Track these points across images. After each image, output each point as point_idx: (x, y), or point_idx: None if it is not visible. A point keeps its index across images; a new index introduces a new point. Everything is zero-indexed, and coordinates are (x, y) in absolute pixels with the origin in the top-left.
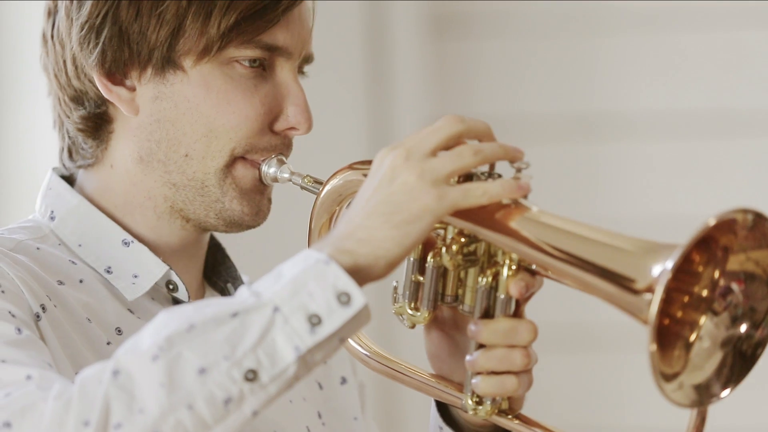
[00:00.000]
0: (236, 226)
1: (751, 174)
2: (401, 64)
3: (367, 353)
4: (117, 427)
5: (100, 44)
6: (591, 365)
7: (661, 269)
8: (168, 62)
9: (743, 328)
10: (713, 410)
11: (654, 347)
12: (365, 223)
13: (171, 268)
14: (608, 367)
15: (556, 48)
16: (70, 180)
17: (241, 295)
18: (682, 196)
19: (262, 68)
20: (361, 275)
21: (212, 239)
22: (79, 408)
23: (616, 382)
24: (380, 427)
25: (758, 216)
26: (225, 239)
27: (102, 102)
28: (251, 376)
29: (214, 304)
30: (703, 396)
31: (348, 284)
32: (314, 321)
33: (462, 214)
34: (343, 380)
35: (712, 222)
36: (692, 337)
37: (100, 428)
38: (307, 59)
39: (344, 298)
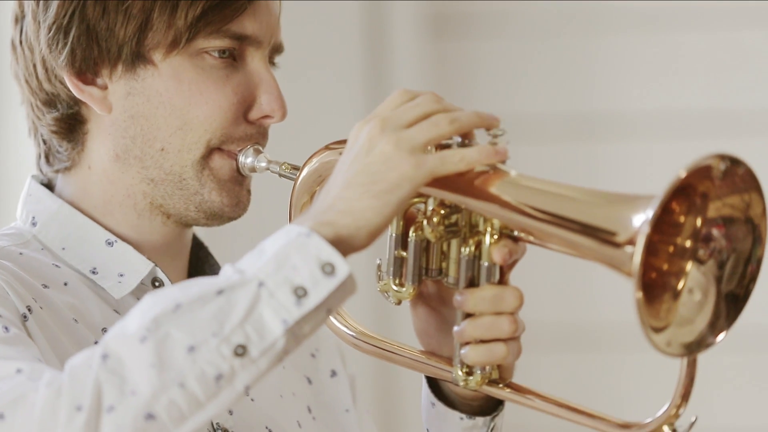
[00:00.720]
0: (217, 218)
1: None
2: (400, 64)
3: (354, 334)
4: (110, 410)
5: (69, 44)
6: (589, 365)
7: (642, 219)
8: (138, 57)
9: (731, 270)
10: (713, 410)
11: (640, 294)
12: (344, 194)
13: (156, 265)
14: (606, 367)
15: (555, 48)
16: (49, 186)
17: (225, 272)
18: None
19: (233, 58)
20: (343, 246)
21: (194, 238)
22: (70, 394)
23: (614, 382)
24: (377, 418)
25: (732, 160)
26: (206, 235)
27: (74, 103)
28: (241, 351)
29: (198, 284)
30: (695, 346)
31: (331, 254)
32: (300, 293)
33: (441, 183)
34: (333, 373)
35: (684, 172)
36: (680, 287)
37: (93, 412)
38: (278, 49)
39: (328, 269)
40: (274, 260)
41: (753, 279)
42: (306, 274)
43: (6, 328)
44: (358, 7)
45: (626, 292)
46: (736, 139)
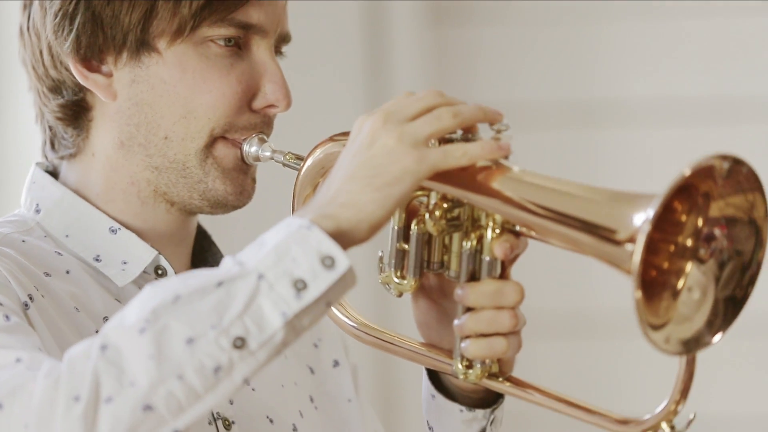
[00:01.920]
0: (221, 206)
1: (751, 161)
2: (400, 52)
3: (355, 325)
4: (108, 400)
5: (74, 31)
6: (590, 352)
7: (643, 218)
8: (142, 45)
9: (731, 271)
10: (709, 397)
11: (639, 294)
12: (346, 187)
13: (160, 253)
14: (605, 354)
15: (555, 35)
16: (54, 174)
17: (225, 265)
18: None
19: (238, 47)
20: (344, 239)
21: (198, 226)
22: (68, 384)
23: (615, 369)
24: (377, 409)
25: (735, 161)
26: (210, 224)
27: (79, 89)
28: (239, 343)
29: (198, 275)
30: (693, 344)
31: (331, 248)
32: (299, 286)
33: (444, 177)
34: (336, 363)
35: (688, 171)
36: (679, 286)
37: (91, 403)
38: (284, 38)
39: (328, 262)
40: (274, 252)
41: (752, 282)
42: (306, 267)
43: (6, 317)
44: None
45: (625, 279)
46: (736, 126)
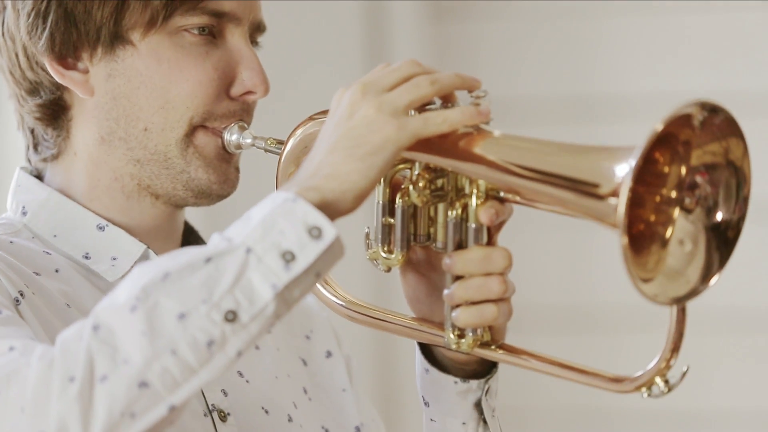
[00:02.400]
0: (205, 196)
1: (753, 156)
2: (400, 47)
3: (344, 304)
4: (103, 379)
5: (48, 29)
6: (587, 347)
7: (625, 170)
8: (116, 38)
9: (720, 215)
10: (708, 392)
11: (625, 240)
12: (328, 159)
13: (149, 248)
14: (605, 348)
15: (555, 31)
16: (39, 177)
17: (213, 241)
18: None
19: (212, 36)
20: (330, 210)
21: (185, 224)
22: (62, 365)
23: (608, 364)
24: (375, 399)
25: (713, 108)
26: (197, 219)
27: (57, 88)
28: (231, 317)
29: (187, 253)
30: (686, 292)
31: (318, 218)
32: (288, 257)
33: (425, 146)
34: (329, 354)
35: (661, 124)
36: (668, 236)
37: (86, 382)
38: (259, 27)
39: (315, 232)
40: (261, 226)
41: (742, 218)
42: (293, 239)
43: None
44: None
45: (623, 273)
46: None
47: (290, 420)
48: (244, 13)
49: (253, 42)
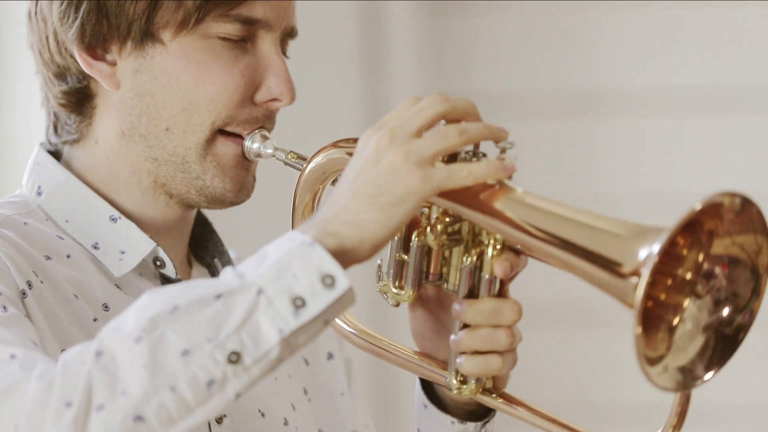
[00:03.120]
0: (218, 202)
1: (746, 151)
2: (396, 42)
3: (352, 330)
4: (99, 408)
5: (79, 18)
6: (579, 341)
7: (648, 253)
8: (147, 35)
9: (726, 311)
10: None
11: (639, 330)
12: (350, 204)
13: (158, 245)
14: (596, 342)
15: (552, 25)
16: (56, 155)
17: (226, 276)
18: (677, 173)
19: (243, 40)
20: (345, 257)
21: (199, 214)
22: (61, 389)
23: (604, 358)
24: (372, 403)
25: (745, 200)
26: (211, 213)
27: (83, 77)
28: (234, 358)
29: (198, 286)
30: (687, 379)
31: (332, 267)
32: (298, 303)
33: (447, 194)
34: (330, 356)
35: (698, 206)
36: (676, 320)
37: (83, 410)
38: (290, 32)
39: (329, 281)
40: (276, 267)
41: (743, 329)
42: (306, 285)
43: (4, 308)
44: None
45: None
46: (732, 116)
47: (286, 423)
48: (276, 20)
49: (284, 47)
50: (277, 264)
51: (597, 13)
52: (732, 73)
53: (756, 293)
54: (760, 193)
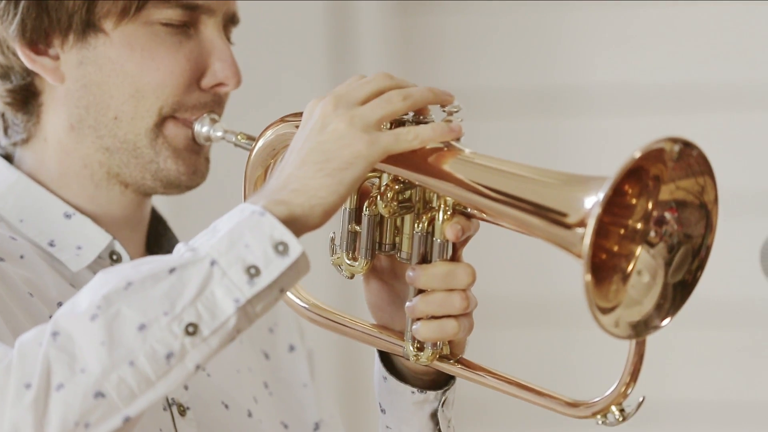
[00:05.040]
0: (174, 186)
1: (711, 149)
2: (365, 39)
3: (307, 307)
4: (59, 387)
5: (19, 15)
6: (546, 340)
7: (593, 201)
8: (88, 26)
9: (681, 255)
10: (669, 385)
11: (588, 278)
12: (298, 172)
13: (114, 238)
14: (563, 342)
15: (517, 22)
16: (9, 159)
17: (178, 251)
18: None
19: (186, 26)
20: (297, 225)
21: (154, 212)
22: (19, 371)
23: (570, 358)
24: (337, 393)
25: (685, 144)
26: (166, 209)
27: (27, 74)
28: (192, 329)
29: (150, 261)
30: (642, 327)
31: (284, 234)
32: (252, 272)
33: (395, 159)
34: (291, 348)
35: (638, 154)
36: (629, 269)
37: (42, 390)
38: (233, 19)
39: (281, 248)
40: (227, 238)
41: (701, 266)
42: (259, 253)
43: None
44: None
45: (579, 265)
46: (698, 114)
47: (250, 415)
48: (218, 5)
49: (227, 33)
50: (228, 235)
51: (562, 11)
52: (697, 71)
53: (709, 228)
54: (722, 188)
